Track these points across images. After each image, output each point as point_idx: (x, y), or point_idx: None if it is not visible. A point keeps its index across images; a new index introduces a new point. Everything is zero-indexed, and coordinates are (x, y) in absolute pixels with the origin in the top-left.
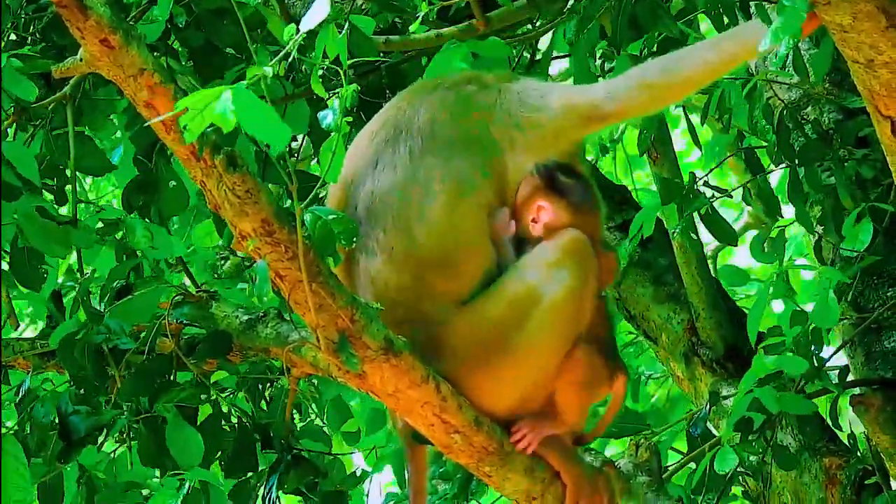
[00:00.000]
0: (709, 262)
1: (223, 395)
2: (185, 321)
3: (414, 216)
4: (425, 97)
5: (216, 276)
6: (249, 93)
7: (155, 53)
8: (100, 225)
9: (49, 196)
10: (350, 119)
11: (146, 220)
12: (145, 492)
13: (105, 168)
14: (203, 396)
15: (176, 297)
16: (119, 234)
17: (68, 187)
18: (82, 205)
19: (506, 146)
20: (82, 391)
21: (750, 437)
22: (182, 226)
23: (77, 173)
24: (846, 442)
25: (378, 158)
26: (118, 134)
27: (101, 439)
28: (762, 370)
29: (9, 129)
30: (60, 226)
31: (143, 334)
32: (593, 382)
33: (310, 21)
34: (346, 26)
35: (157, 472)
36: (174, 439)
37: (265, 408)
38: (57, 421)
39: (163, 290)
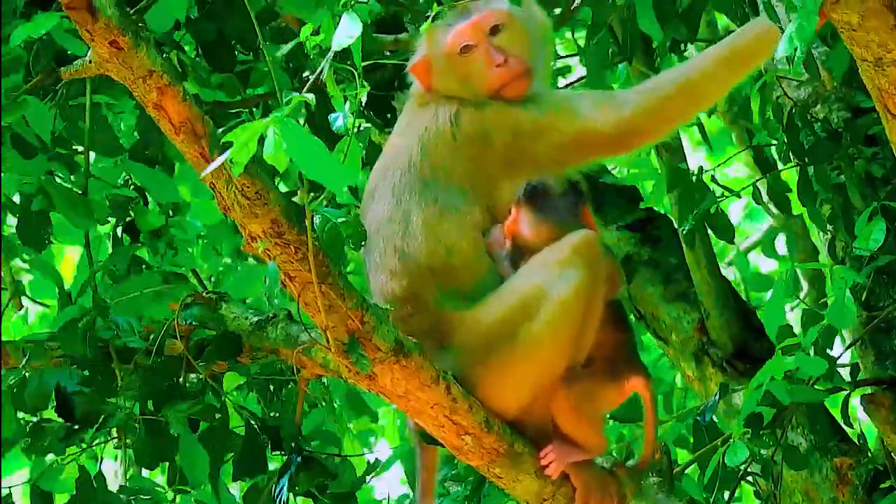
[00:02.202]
0: (732, 265)
1: (231, 397)
2: (194, 322)
3: (400, 238)
4: (405, 130)
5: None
6: (295, 124)
7: (164, 51)
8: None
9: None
10: (363, 121)
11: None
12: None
13: (114, 147)
14: (211, 399)
15: (186, 299)
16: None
17: (78, 157)
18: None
19: (493, 171)
20: (86, 372)
21: (761, 433)
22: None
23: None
24: (857, 441)
25: (375, 190)
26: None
27: (96, 432)
28: (780, 369)
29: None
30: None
31: (152, 336)
32: (589, 401)
33: (340, 40)
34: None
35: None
36: (185, 458)
37: (277, 408)
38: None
39: (168, 276)
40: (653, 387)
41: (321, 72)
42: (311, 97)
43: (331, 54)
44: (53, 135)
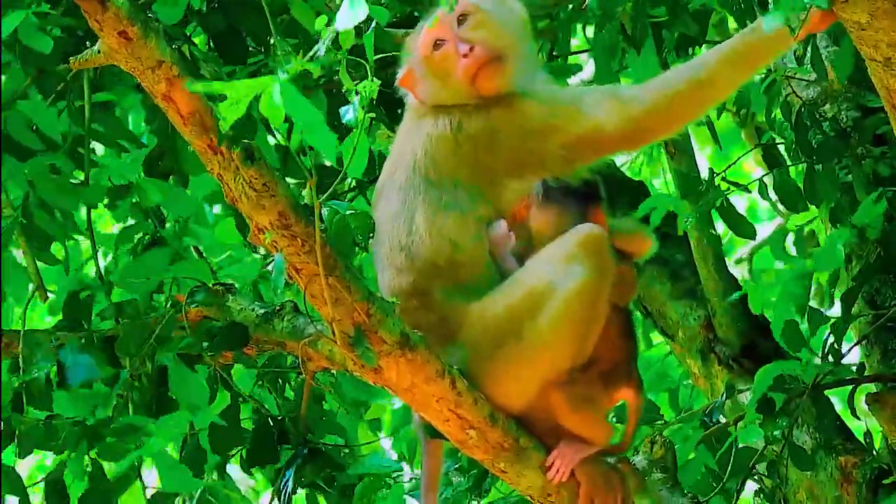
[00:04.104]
0: (742, 263)
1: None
2: (198, 306)
3: (405, 236)
4: (408, 135)
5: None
6: (294, 88)
7: (175, 44)
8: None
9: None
10: (373, 115)
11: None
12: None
13: (124, 136)
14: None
15: (193, 287)
16: (131, 199)
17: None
18: (97, 170)
19: (499, 171)
20: (83, 340)
21: (772, 418)
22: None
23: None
24: (862, 440)
25: (382, 189)
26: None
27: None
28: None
29: (28, 92)
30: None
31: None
32: (584, 403)
33: (345, 21)
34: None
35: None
36: (178, 385)
37: (289, 398)
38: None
39: (170, 253)
40: (642, 398)
41: (318, 50)
42: (315, 66)
43: (330, 33)
44: (64, 136)
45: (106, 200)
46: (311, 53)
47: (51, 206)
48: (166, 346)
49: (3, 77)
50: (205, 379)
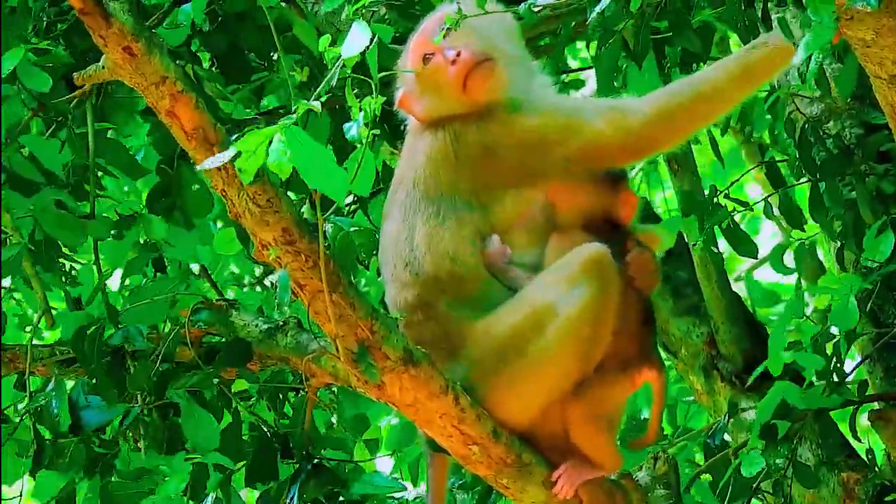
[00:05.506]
0: (741, 280)
1: (244, 405)
2: (203, 326)
3: (408, 252)
4: (410, 153)
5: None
6: (301, 132)
7: (178, 62)
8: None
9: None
10: (377, 131)
11: (170, 223)
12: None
13: (129, 165)
14: (223, 404)
15: (196, 305)
16: (138, 230)
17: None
18: (103, 200)
19: (498, 184)
20: (94, 380)
21: (774, 445)
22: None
23: (98, 173)
24: (864, 457)
25: (388, 210)
26: (143, 133)
27: (114, 426)
28: (778, 365)
29: (30, 125)
30: (78, 218)
31: (161, 345)
32: (603, 405)
33: (350, 48)
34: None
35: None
36: (188, 424)
37: (288, 415)
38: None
39: (177, 282)
40: (665, 378)
41: (331, 79)
42: (316, 105)
43: (340, 62)
44: (65, 167)
45: (113, 231)
46: (325, 81)
47: (55, 241)
48: (177, 381)
49: (3, 110)
50: (209, 398)
